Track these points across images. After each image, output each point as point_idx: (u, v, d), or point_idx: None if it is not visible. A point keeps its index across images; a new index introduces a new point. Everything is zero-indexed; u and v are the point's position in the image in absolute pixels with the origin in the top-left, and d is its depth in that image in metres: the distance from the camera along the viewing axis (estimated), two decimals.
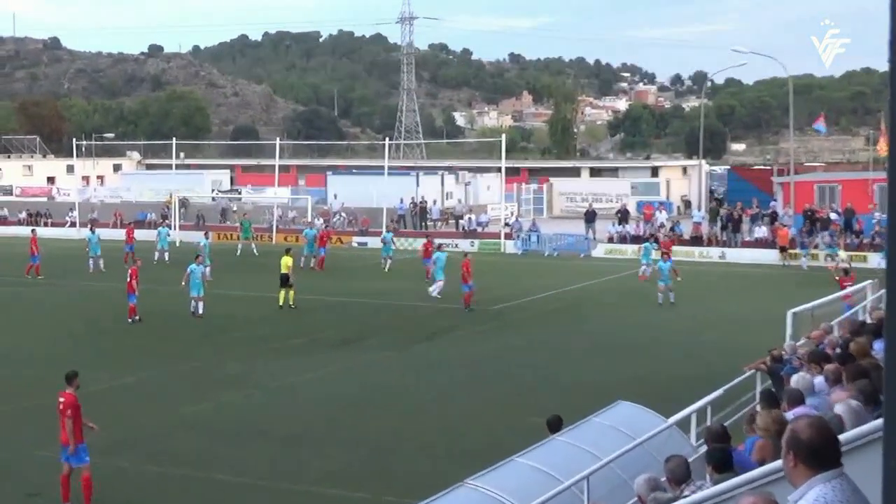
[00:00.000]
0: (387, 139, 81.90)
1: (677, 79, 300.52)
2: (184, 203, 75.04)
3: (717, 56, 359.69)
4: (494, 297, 40.68)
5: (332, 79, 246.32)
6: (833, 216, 56.58)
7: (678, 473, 9.52)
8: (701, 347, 30.98)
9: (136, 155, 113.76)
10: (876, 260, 50.70)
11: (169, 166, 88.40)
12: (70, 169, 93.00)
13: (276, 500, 17.69)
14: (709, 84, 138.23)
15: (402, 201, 72.57)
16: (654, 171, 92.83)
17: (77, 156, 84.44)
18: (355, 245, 64.94)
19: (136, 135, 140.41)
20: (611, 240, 60.85)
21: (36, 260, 47.80)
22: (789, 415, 10.41)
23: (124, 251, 51.83)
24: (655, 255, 47.08)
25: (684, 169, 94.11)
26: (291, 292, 38.71)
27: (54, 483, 16.87)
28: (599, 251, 59.51)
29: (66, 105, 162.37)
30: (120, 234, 59.31)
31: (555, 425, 15.26)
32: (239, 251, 58.56)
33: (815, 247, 53.79)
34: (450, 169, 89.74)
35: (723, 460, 9.25)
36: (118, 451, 19.45)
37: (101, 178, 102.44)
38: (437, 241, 49.48)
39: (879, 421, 6.78)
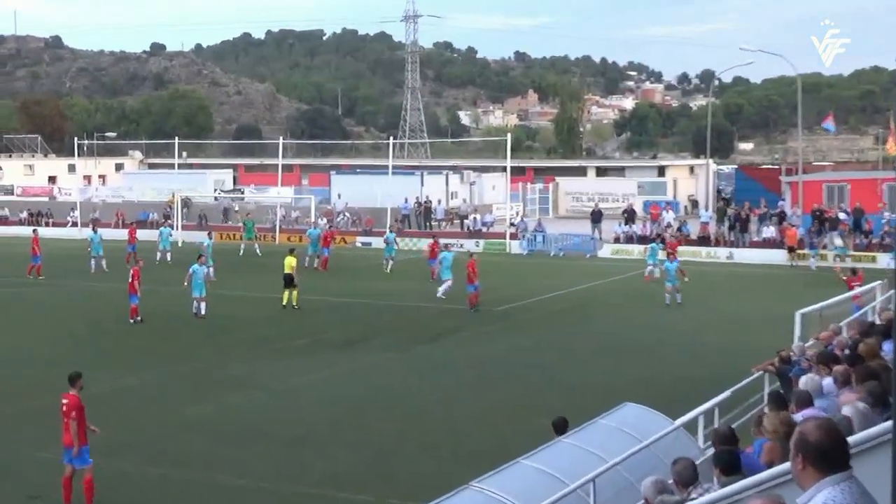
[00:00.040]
0: (391, 138, 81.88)
1: (684, 77, 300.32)
2: (186, 203, 75.10)
3: (724, 54, 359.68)
4: (500, 297, 40.66)
5: (335, 77, 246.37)
6: (842, 216, 56.50)
7: (685, 476, 9.51)
8: (708, 348, 30.95)
9: (138, 154, 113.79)
10: (885, 260, 50.72)
11: (171, 166, 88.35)
12: (72, 168, 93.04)
13: (279, 503, 17.70)
14: (716, 82, 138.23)
15: (406, 201, 72.58)
16: (661, 171, 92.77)
17: (79, 155, 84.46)
18: (359, 245, 64.95)
19: (139, 134, 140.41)
20: (617, 240, 60.79)
21: (37, 260, 47.84)
22: (798, 417, 10.40)
23: (126, 251, 51.85)
24: (662, 255, 47.06)
25: (691, 168, 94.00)
26: (295, 293, 38.72)
27: (55, 485, 16.88)
28: (606, 251, 59.47)
29: (67, 104, 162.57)
30: (122, 234, 59.39)
31: (561, 427, 15.27)
32: (242, 251, 58.56)
33: (824, 247, 53.71)
34: (454, 168, 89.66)
35: (730, 462, 9.24)
36: (120, 452, 19.45)
37: (102, 177, 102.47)
38: (443, 241, 49.43)
39: (889, 423, 6.78)
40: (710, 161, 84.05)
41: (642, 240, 57.71)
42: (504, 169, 71.12)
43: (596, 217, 64.03)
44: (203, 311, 36.38)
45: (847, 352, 15.01)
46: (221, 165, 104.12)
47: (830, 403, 11.47)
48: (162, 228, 58.07)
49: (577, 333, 34.12)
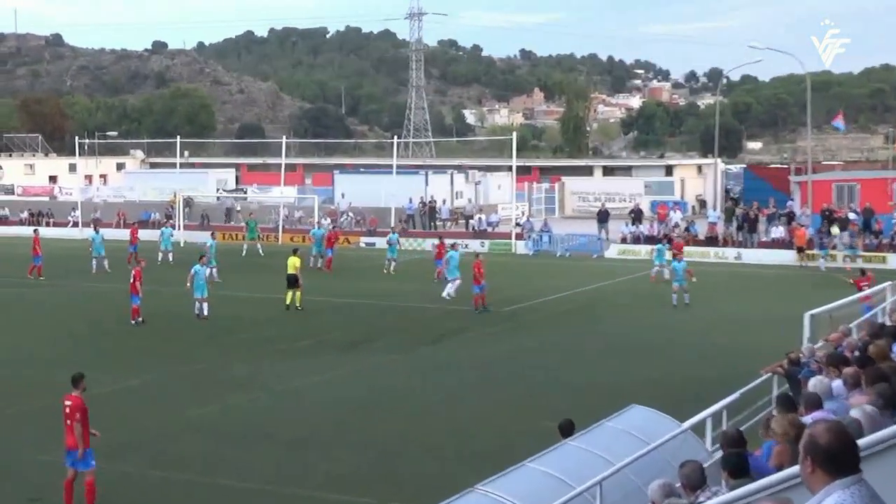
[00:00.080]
0: (395, 137, 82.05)
1: (692, 75, 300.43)
2: (188, 203, 75.19)
3: (733, 52, 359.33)
4: (505, 298, 40.66)
5: (339, 76, 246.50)
6: (851, 216, 56.45)
7: (693, 479, 9.50)
8: (716, 349, 30.93)
9: (139, 153, 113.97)
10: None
11: (173, 165, 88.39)
12: (72, 168, 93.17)
13: None
14: (724, 81, 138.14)
15: (410, 201, 72.60)
16: (669, 170, 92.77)
17: (79, 154, 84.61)
18: (363, 245, 64.98)
19: (140, 133, 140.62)
20: (624, 240, 60.77)
21: (38, 260, 47.90)
22: (807, 419, 10.39)
23: (128, 252, 51.89)
24: (668, 255, 47.03)
25: (699, 168, 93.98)
26: (298, 293, 38.74)
27: (56, 487, 16.89)
28: (612, 252, 59.45)
29: (68, 103, 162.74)
30: (123, 234, 59.50)
31: (567, 430, 15.26)
32: (244, 251, 58.60)
33: (833, 246, 53.67)
34: (459, 168, 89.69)
35: (739, 465, 9.23)
36: (121, 455, 19.46)
37: (103, 177, 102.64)
38: (449, 240, 49.44)
39: None
40: (718, 160, 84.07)
41: (649, 240, 57.66)
42: (509, 168, 71.14)
43: (602, 217, 64.02)
44: (205, 312, 36.41)
45: (857, 353, 14.99)
46: (224, 165, 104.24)
47: (840, 406, 11.45)
48: (163, 228, 58.10)
49: (582, 334, 34.13)
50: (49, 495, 17.35)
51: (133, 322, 35.03)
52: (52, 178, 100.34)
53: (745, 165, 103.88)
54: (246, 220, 64.71)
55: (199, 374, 27.93)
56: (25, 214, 78.84)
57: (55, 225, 75.26)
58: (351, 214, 72.48)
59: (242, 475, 18.83)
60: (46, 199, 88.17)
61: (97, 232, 52.04)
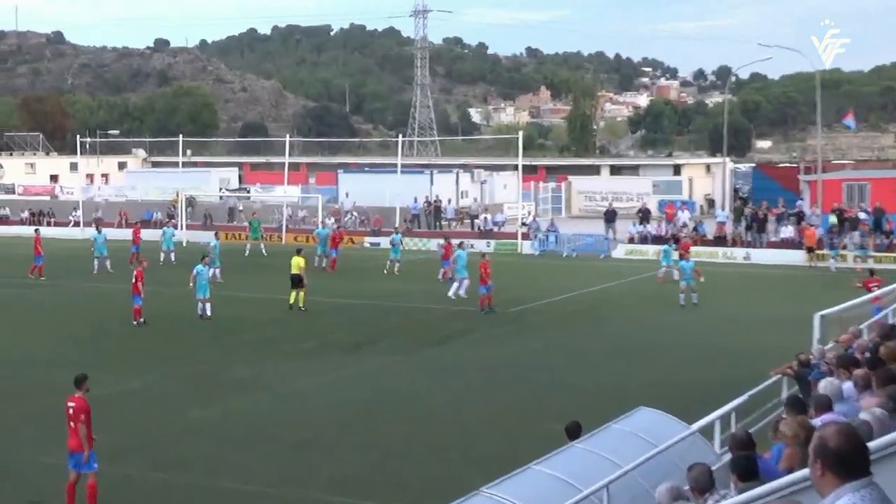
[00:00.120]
0: (400, 136, 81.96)
1: (700, 73, 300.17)
2: (191, 202, 75.21)
3: (742, 50, 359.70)
4: (511, 298, 40.66)
5: (343, 74, 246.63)
6: (862, 216, 56.38)
7: (701, 482, 9.50)
8: (724, 350, 30.90)
9: (141, 152, 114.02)
10: None
11: (175, 164, 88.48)
12: (74, 167, 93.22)
13: None
14: (733, 79, 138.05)
15: (415, 200, 72.61)
16: (677, 169, 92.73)
17: (81, 153, 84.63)
18: (367, 245, 65.00)
19: (142, 131, 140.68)
20: (631, 240, 60.73)
21: (39, 260, 47.94)
22: (817, 421, 10.38)
23: (131, 252, 51.91)
24: (675, 256, 46.95)
25: (708, 167, 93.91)
26: (302, 294, 38.75)
27: (58, 490, 16.90)
28: (620, 252, 59.42)
29: (69, 101, 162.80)
30: (124, 233, 59.56)
31: (574, 432, 15.26)
32: (248, 252, 58.63)
33: (844, 247, 53.62)
34: (465, 167, 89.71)
35: (748, 468, 9.22)
36: (123, 457, 19.48)
37: (105, 176, 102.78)
38: (455, 240, 49.44)
39: None
40: (727, 159, 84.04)
41: (657, 240, 57.56)
42: (515, 167, 71.13)
43: (610, 217, 64.01)
44: (209, 313, 36.43)
45: (867, 355, 14.97)
46: (226, 164, 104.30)
47: (850, 408, 11.45)
48: (164, 228, 58.14)
49: (589, 335, 34.12)
50: (51, 498, 17.37)
51: (135, 323, 35.06)
52: (54, 178, 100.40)
53: (754, 164, 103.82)
54: (249, 220, 64.75)
55: (201, 375, 27.96)
56: (26, 214, 78.94)
57: (56, 225, 75.35)
58: (355, 214, 72.49)
59: (245, 477, 18.85)
60: (47, 198, 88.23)
61: (99, 232, 52.07)
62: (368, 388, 26.30)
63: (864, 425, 8.41)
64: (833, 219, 54.23)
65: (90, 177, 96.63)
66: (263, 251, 58.76)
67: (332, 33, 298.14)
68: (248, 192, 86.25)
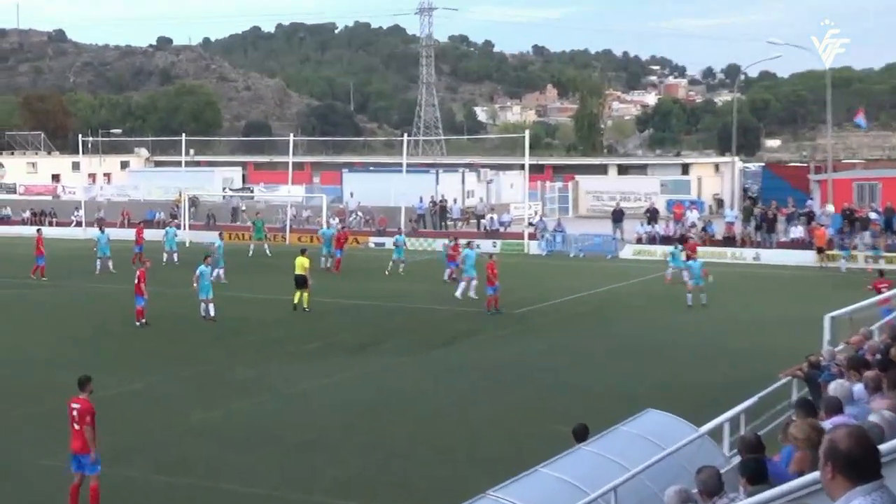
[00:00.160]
0: (405, 135, 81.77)
1: (709, 72, 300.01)
2: (194, 202, 75.19)
3: (751, 48, 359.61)
4: (518, 299, 40.66)
5: (347, 72, 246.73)
6: (873, 216, 56.30)
7: (710, 485, 9.49)
8: (732, 352, 30.87)
9: (144, 152, 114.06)
10: None
11: (178, 163, 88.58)
12: (76, 166, 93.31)
13: None
14: (742, 77, 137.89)
15: (420, 200, 72.58)
16: (685, 169, 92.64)
17: (83, 152, 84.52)
18: (372, 245, 64.96)
19: (144, 130, 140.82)
20: (639, 240, 60.67)
21: (41, 261, 47.99)
22: (827, 424, 10.37)
23: (134, 252, 51.89)
24: (683, 257, 46.82)
25: (716, 166, 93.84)
26: (306, 294, 38.76)
27: (60, 492, 16.92)
28: (627, 252, 59.38)
29: (71, 100, 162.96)
30: (126, 233, 59.58)
31: (581, 434, 15.26)
32: (251, 252, 58.65)
33: (854, 247, 53.56)
34: (471, 166, 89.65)
35: (757, 471, 9.21)
36: (126, 459, 19.50)
37: (107, 175, 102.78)
38: (463, 240, 49.43)
39: None
40: (736, 158, 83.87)
41: (665, 240, 57.47)
42: (522, 167, 71.03)
43: (617, 216, 63.95)
44: (212, 313, 36.44)
45: (878, 356, 14.96)
46: (230, 163, 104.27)
47: (861, 410, 11.43)
48: (167, 228, 58.15)
49: (596, 336, 34.11)
50: (53, 500, 17.40)
51: (137, 324, 35.09)
52: (55, 177, 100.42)
53: (763, 164, 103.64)
54: (253, 220, 64.75)
55: (204, 376, 27.99)
56: (28, 214, 78.98)
57: (58, 225, 75.38)
58: (360, 214, 72.47)
59: (248, 480, 18.86)
60: (49, 198, 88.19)
61: (102, 232, 52.08)
62: (373, 389, 26.31)
63: (874, 428, 8.40)
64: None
65: (92, 176, 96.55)
66: (267, 251, 58.79)
67: (336, 31, 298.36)
68: (252, 191, 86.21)
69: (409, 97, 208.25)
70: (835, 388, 12.55)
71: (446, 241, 52.07)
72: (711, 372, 28.10)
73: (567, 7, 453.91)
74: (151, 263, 41.37)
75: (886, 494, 5.06)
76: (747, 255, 56.55)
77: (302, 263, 39.27)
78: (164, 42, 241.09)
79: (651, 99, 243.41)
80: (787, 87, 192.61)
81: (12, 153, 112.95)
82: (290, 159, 77.43)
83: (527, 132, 71.19)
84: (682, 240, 53.73)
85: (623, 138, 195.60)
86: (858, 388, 12.63)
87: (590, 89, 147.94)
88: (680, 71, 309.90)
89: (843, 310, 25.65)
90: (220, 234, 52.21)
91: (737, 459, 11.77)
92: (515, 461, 16.24)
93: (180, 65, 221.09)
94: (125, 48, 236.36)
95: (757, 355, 29.14)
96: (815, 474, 6.07)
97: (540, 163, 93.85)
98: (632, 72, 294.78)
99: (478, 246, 51.89)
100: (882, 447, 5.80)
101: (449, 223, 72.33)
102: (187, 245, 59.91)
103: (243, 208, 76.30)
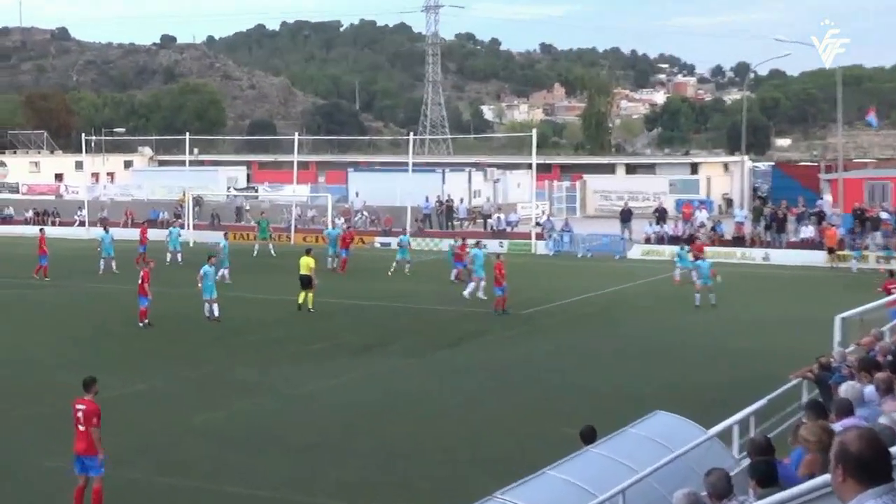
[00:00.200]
0: (411, 134, 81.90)
1: (718, 70, 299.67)
2: (198, 201, 75.33)
3: (760, 46, 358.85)
4: (525, 300, 40.65)
5: (353, 70, 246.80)
6: (884, 216, 56.22)
7: (719, 488, 9.47)
8: (742, 353, 30.83)
9: (147, 151, 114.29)
10: None
11: (182, 163, 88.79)
12: (79, 165, 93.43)
13: None
14: (751, 75, 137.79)
15: (427, 200, 72.59)
16: (694, 168, 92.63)
17: (86, 152, 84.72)
18: (378, 246, 64.97)
19: (148, 129, 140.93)
20: (648, 240, 60.65)
21: (44, 260, 48.04)
22: (838, 426, 10.36)
23: (138, 252, 51.86)
24: (690, 257, 46.71)
25: (726, 165, 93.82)
26: (310, 295, 38.77)
27: (63, 495, 16.92)
28: (636, 252, 59.35)
29: (74, 98, 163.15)
30: (130, 233, 59.70)
31: (588, 436, 15.24)
32: (256, 252, 58.68)
33: (865, 247, 53.49)
34: (477, 165, 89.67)
35: (767, 474, 9.20)
36: (128, 461, 19.49)
37: (111, 174, 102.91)
38: (471, 240, 49.41)
39: None
40: (746, 158, 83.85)
41: (674, 240, 57.41)
42: (529, 166, 71.06)
43: (625, 216, 63.93)
44: (216, 314, 36.45)
45: (889, 358, 14.95)
46: (234, 162, 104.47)
47: (872, 412, 11.42)
48: (171, 228, 58.20)
49: (603, 337, 34.09)
50: (53, 501, 17.40)
51: (141, 324, 35.12)
52: (58, 176, 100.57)
53: (773, 163, 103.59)
54: (257, 220, 64.77)
55: (207, 377, 28.01)
56: (30, 213, 79.14)
57: (61, 224, 75.51)
58: (365, 214, 72.53)
59: (251, 482, 18.85)
60: (52, 197, 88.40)
61: (107, 231, 52.10)
62: (379, 391, 26.31)
63: (886, 430, 8.39)
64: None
65: (95, 176, 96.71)
66: (272, 251, 58.80)
67: (341, 29, 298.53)
68: (257, 191, 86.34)
69: (415, 96, 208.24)
70: (845, 389, 12.53)
71: (452, 241, 52.04)
72: (720, 373, 28.07)
73: (574, 5, 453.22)
74: (155, 264, 41.39)
75: None
76: (757, 255, 56.50)
77: (307, 263, 39.26)
78: (167, 40, 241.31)
79: (660, 97, 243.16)
80: (797, 85, 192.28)
81: (15, 152, 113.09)
82: (295, 158, 77.46)
83: (534, 131, 71.26)
84: (690, 240, 53.65)
85: (631, 137, 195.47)
86: (869, 389, 12.62)
87: (598, 88, 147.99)
88: (689, 69, 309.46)
89: (854, 311, 25.62)
90: (225, 234, 52.23)
91: (746, 462, 11.76)
92: (522, 463, 16.24)
93: (184, 63, 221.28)
94: (128, 46, 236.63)
95: (766, 356, 29.11)
96: (826, 477, 6.05)
97: (547, 162, 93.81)
98: (640, 70, 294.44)
99: (484, 246, 51.95)
100: (893, 450, 5.78)
101: (455, 223, 72.36)
102: (191, 245, 59.95)
103: (247, 208, 76.37)
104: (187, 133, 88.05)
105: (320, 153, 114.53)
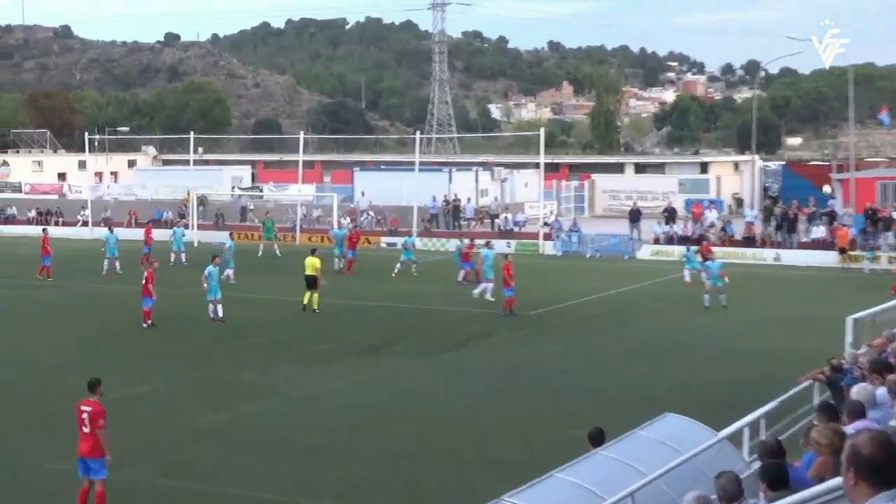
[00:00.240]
0: (417, 133, 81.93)
1: (728, 68, 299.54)
2: (202, 201, 75.34)
3: (771, 44, 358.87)
4: (532, 301, 40.62)
5: (359, 69, 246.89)
6: None
7: (730, 491, 9.46)
8: (752, 354, 30.75)
9: (151, 150, 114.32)
10: None
11: (186, 162, 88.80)
12: (82, 165, 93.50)
13: None
14: (762, 74, 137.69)
15: (433, 199, 72.56)
16: (704, 167, 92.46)
17: (89, 151, 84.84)
18: (384, 246, 64.94)
19: (152, 128, 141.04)
20: (657, 240, 60.57)
21: (47, 261, 48.09)
22: (849, 428, 10.34)
23: (143, 252, 51.85)
24: (699, 258, 46.62)
25: (736, 165, 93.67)
26: (316, 295, 38.77)
27: (63, 496, 16.94)
28: (645, 252, 59.28)
29: (77, 97, 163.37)
30: (134, 233, 59.74)
31: (597, 439, 15.24)
32: (261, 252, 58.71)
33: (878, 247, 53.42)
34: (485, 165, 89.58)
35: (778, 477, 9.19)
36: (131, 463, 19.49)
37: (114, 174, 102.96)
38: (480, 241, 49.36)
39: None
40: (756, 157, 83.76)
41: (683, 240, 57.25)
42: (537, 165, 71.03)
43: (634, 216, 63.88)
44: (220, 314, 36.47)
45: None
46: (239, 162, 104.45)
47: (884, 414, 11.41)
48: (175, 228, 58.23)
49: (611, 338, 34.06)
50: (54, 502, 17.42)
51: (144, 325, 35.14)
52: (61, 176, 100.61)
53: (784, 162, 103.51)
54: (262, 220, 64.77)
55: (210, 378, 28.00)
56: (33, 213, 79.22)
57: (64, 224, 75.58)
58: (371, 213, 72.51)
59: (255, 484, 18.85)
60: (55, 197, 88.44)
61: (111, 231, 52.15)
62: (385, 392, 26.31)
63: None
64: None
65: (99, 175, 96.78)
66: (277, 252, 58.81)
67: (347, 27, 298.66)
68: (261, 190, 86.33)
69: (422, 94, 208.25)
70: (857, 391, 12.52)
71: (459, 241, 51.91)
72: (729, 374, 28.01)
73: (582, 2, 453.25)
74: (160, 264, 41.38)
75: None
76: (767, 255, 56.42)
77: (312, 264, 39.26)
78: (171, 38, 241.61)
79: (669, 96, 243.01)
80: (809, 83, 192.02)
81: (17, 151, 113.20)
82: (301, 158, 77.59)
83: (542, 130, 71.13)
84: (699, 240, 53.56)
85: (640, 136, 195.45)
86: (881, 391, 12.60)
87: (606, 86, 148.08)
88: (698, 67, 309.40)
89: (866, 312, 25.59)
90: (231, 235, 52.28)
91: (757, 464, 11.74)
92: (530, 465, 16.24)
93: (188, 61, 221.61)
94: (132, 44, 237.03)
95: (776, 358, 29.06)
96: (838, 480, 6.04)
97: (555, 161, 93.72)
98: (649, 68, 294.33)
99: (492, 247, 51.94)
100: None
101: (462, 223, 72.30)
102: (195, 245, 59.99)
103: (252, 208, 76.39)
104: (191, 132, 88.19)
105: (326, 152, 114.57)
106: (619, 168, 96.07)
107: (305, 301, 38.67)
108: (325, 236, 58.73)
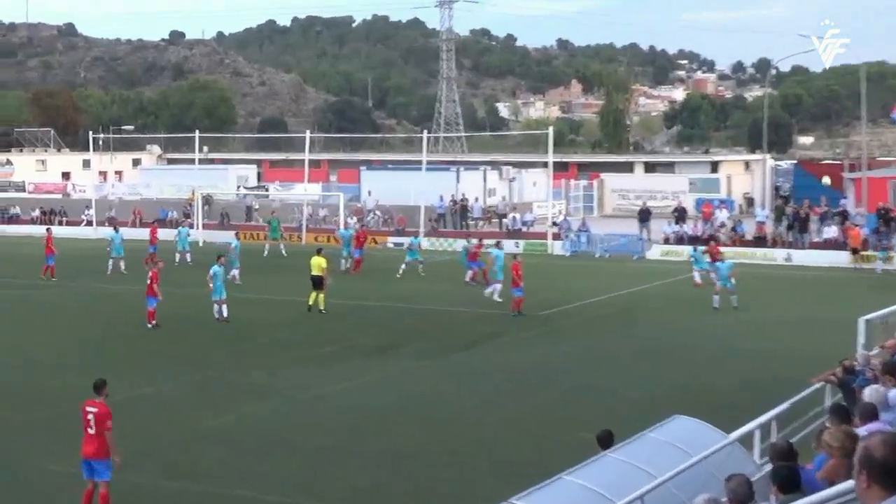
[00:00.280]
0: (425, 132, 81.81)
1: (739, 66, 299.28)
2: (207, 200, 75.42)
3: (782, 42, 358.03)
4: (541, 301, 40.60)
5: (366, 67, 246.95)
6: None
7: (740, 494, 9.45)
8: (763, 356, 30.73)
9: (156, 149, 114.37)
10: None
11: (191, 161, 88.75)
12: (86, 164, 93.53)
13: None
14: (773, 72, 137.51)
15: (441, 199, 72.57)
16: (714, 167, 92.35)
17: (94, 150, 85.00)
18: (391, 246, 64.95)
19: (157, 127, 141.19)
20: (667, 240, 60.53)
21: (51, 261, 48.15)
22: (862, 431, 10.32)
23: (148, 252, 51.86)
24: (707, 258, 46.54)
25: (747, 164, 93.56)
26: (322, 296, 38.78)
27: (66, 499, 16.95)
28: (654, 253, 59.25)
29: (81, 95, 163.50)
30: (138, 233, 59.73)
31: (605, 441, 15.22)
32: (266, 252, 58.75)
33: (891, 248, 53.34)
34: (493, 164, 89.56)
35: (789, 479, 9.17)
36: (134, 465, 19.46)
37: (119, 173, 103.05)
38: (489, 241, 49.33)
39: None
40: (767, 156, 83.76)
41: (693, 240, 57.15)
42: (545, 164, 70.96)
43: (644, 216, 63.85)
44: (225, 314, 36.49)
45: None
46: (244, 161, 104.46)
47: None
48: (179, 228, 58.30)
49: (621, 339, 34.04)
50: (54, 502, 17.44)
51: (149, 325, 35.17)
52: (65, 175, 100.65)
53: (795, 161, 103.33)
54: (268, 220, 64.80)
55: (215, 379, 27.99)
56: (37, 213, 79.30)
57: (68, 224, 75.70)
58: (378, 213, 72.51)
59: (260, 486, 18.85)
60: (59, 196, 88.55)
61: (117, 231, 52.24)
62: (392, 394, 26.30)
63: None
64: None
65: (103, 174, 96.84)
66: (283, 251, 58.85)
67: (353, 25, 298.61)
68: (267, 190, 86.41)
69: (429, 92, 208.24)
70: (870, 393, 12.50)
71: (466, 242, 51.79)
72: (740, 376, 27.97)
73: (591, 0, 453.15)
74: (164, 264, 41.42)
75: None
76: (779, 255, 56.36)
77: (318, 264, 39.27)
78: (176, 36, 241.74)
79: (679, 94, 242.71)
80: (820, 81, 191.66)
81: (21, 150, 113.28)
82: (307, 157, 77.49)
83: (550, 129, 71.10)
84: (708, 241, 53.47)
85: (650, 135, 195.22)
86: (894, 393, 12.58)
87: (615, 84, 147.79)
88: (709, 65, 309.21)
89: (879, 313, 25.54)
90: (237, 234, 52.26)
91: (768, 467, 11.72)
92: (538, 467, 16.23)
93: (193, 59, 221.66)
94: (137, 42, 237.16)
95: (787, 359, 29.05)
96: (850, 483, 6.03)
97: (564, 160, 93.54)
98: (659, 66, 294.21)
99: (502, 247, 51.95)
100: None
101: (470, 223, 72.27)
102: (200, 245, 60.05)
103: (257, 207, 76.44)
104: (197, 131, 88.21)
105: (332, 151, 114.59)
106: (628, 167, 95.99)
107: (311, 301, 38.69)
108: (331, 236, 58.73)
